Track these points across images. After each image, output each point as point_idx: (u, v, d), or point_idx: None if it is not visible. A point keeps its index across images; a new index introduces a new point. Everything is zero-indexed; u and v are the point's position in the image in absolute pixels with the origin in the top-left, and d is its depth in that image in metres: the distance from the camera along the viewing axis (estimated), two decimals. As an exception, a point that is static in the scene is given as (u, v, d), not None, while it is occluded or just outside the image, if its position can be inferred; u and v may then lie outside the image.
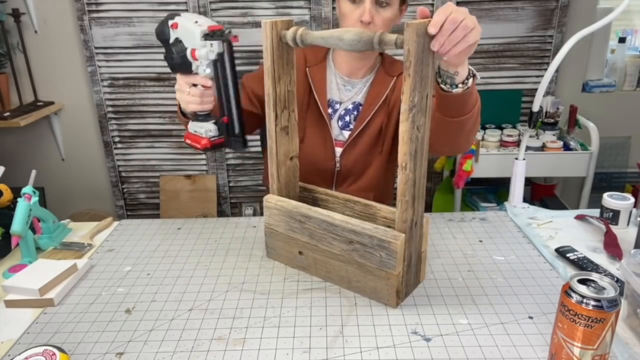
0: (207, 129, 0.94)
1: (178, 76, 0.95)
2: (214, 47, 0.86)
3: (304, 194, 1.02)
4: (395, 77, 1.20)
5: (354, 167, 1.23)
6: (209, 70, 0.90)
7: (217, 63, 0.87)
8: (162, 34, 0.92)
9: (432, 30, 0.72)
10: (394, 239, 0.76)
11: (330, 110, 1.23)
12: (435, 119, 0.96)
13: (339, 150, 1.23)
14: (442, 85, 0.90)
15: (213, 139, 0.94)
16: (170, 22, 0.90)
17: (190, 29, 0.87)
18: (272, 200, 0.92)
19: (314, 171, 1.25)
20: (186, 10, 2.13)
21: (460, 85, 0.89)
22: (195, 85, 0.93)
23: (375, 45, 0.74)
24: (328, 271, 0.88)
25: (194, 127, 0.96)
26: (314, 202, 1.01)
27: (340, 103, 1.23)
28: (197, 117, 0.96)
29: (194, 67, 0.90)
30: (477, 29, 0.77)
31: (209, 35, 0.86)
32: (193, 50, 0.88)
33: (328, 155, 1.23)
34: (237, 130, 0.92)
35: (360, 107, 1.21)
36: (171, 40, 0.91)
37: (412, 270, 0.83)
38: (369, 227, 0.79)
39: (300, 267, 0.93)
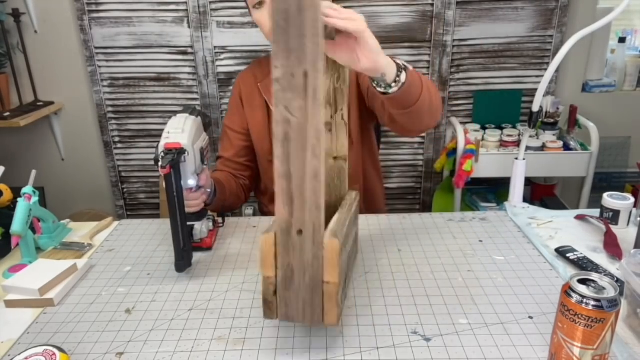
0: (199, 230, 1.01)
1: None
2: (164, 162, 0.86)
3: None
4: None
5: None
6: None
7: (169, 180, 0.86)
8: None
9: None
10: (267, 230, 0.67)
11: None
12: (390, 115, 0.96)
13: None
14: (379, 89, 0.88)
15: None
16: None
17: (164, 134, 0.92)
18: None
19: None
20: (185, 11, 2.13)
21: (393, 85, 0.87)
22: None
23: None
24: None
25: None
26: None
27: None
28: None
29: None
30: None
31: (165, 152, 0.88)
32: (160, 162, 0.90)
33: None
34: (178, 255, 0.90)
35: None
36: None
37: (296, 293, 0.68)
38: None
39: None
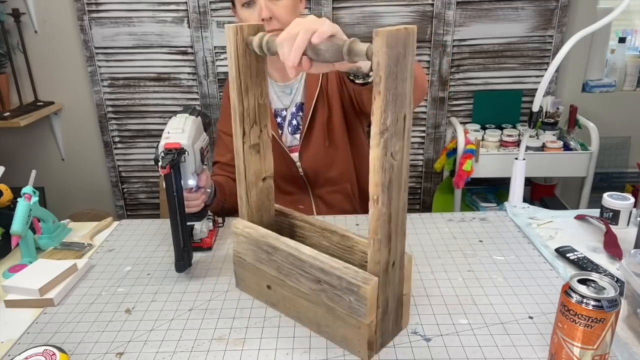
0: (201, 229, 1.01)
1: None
2: (164, 162, 0.87)
3: (280, 218, 0.90)
4: None
5: (316, 166, 1.23)
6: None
7: (168, 180, 0.86)
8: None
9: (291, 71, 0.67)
10: (364, 282, 0.64)
11: (279, 120, 1.23)
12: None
13: (296, 156, 1.22)
14: (358, 81, 0.85)
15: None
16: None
17: (164, 134, 0.92)
18: (240, 225, 0.82)
19: (283, 184, 1.25)
20: (185, 11, 2.13)
21: (371, 74, 0.83)
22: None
23: (344, 55, 0.62)
24: (297, 311, 0.77)
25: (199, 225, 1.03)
26: (291, 228, 0.89)
27: (286, 109, 1.23)
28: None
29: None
30: (305, 26, 0.65)
31: (164, 152, 0.88)
32: (160, 162, 0.91)
33: (288, 165, 1.22)
34: (178, 255, 0.90)
35: (304, 106, 1.20)
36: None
37: (389, 318, 0.70)
38: (338, 266, 0.68)
39: (269, 303, 0.82)
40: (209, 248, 1.02)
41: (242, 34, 0.74)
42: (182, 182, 0.90)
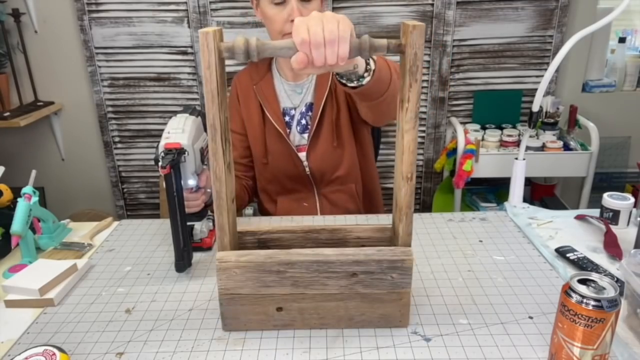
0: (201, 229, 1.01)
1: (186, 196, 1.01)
2: (164, 162, 0.87)
3: (245, 239, 0.83)
4: None
5: (324, 166, 1.23)
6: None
7: (168, 180, 0.86)
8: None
9: (296, 66, 0.62)
10: (406, 255, 0.72)
11: (287, 119, 1.23)
12: (365, 107, 0.94)
13: (304, 155, 1.23)
14: (350, 84, 0.85)
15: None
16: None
17: (164, 134, 0.92)
18: (230, 258, 0.72)
19: (289, 182, 1.26)
20: (185, 11, 2.13)
21: (365, 75, 0.83)
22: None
23: (364, 51, 0.66)
24: (321, 317, 0.75)
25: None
26: (264, 243, 0.83)
27: (295, 108, 1.23)
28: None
29: None
30: (342, 23, 0.65)
31: (165, 152, 0.89)
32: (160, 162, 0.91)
33: (295, 164, 1.23)
34: (178, 255, 0.91)
35: (313, 106, 1.21)
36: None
37: None
38: (373, 252, 0.72)
39: (278, 327, 0.76)
40: (209, 248, 1.02)
41: (217, 40, 0.65)
42: (182, 182, 0.90)
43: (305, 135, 1.23)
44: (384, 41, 0.65)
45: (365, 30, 2.15)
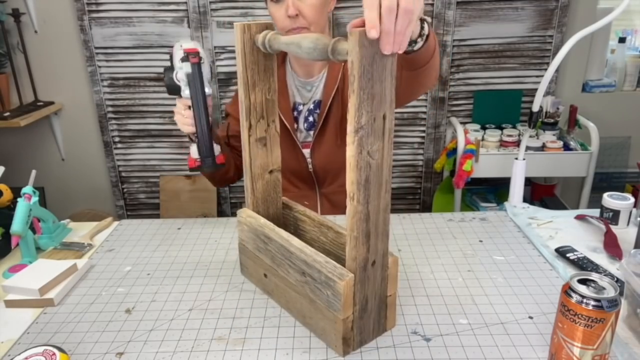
0: (194, 150, 0.99)
1: (177, 100, 0.99)
2: (184, 68, 0.90)
3: (286, 211, 0.93)
4: (342, 66, 1.18)
5: (327, 165, 1.23)
6: (187, 92, 0.95)
7: (190, 84, 0.88)
8: (170, 59, 0.98)
9: (372, 34, 0.56)
10: (339, 278, 0.66)
11: (295, 114, 1.23)
12: (405, 79, 0.91)
13: (308, 152, 1.23)
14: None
15: (198, 159, 0.98)
16: (172, 48, 0.97)
17: (175, 54, 0.93)
18: (243, 214, 0.86)
19: (292, 178, 1.26)
20: (185, 11, 2.14)
21: (418, 40, 0.81)
22: (190, 107, 0.97)
23: (329, 54, 0.63)
24: (287, 300, 0.79)
25: (190, 147, 1.01)
26: (295, 221, 0.92)
27: (304, 104, 1.24)
28: (190, 139, 1.00)
29: (182, 90, 0.94)
30: (417, 1, 0.60)
31: (185, 58, 0.89)
32: (176, 73, 0.94)
33: (299, 160, 1.23)
34: (205, 151, 0.93)
35: (321, 104, 1.21)
36: (170, 65, 0.97)
37: (369, 316, 0.71)
38: (320, 260, 0.69)
39: (265, 291, 0.85)
40: (222, 164, 1.03)
41: (250, 32, 0.77)
42: (184, 92, 0.93)
43: (311, 133, 1.23)
44: (346, 45, 0.61)
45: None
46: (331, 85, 1.19)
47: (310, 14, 1.08)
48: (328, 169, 1.24)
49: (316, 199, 1.28)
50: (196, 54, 0.92)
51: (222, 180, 1.29)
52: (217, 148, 1.03)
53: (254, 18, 2.15)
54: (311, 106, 1.23)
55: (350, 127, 0.60)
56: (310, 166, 1.24)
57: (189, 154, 1.02)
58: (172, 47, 0.98)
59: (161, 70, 2.23)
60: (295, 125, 1.24)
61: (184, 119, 0.98)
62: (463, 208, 2.21)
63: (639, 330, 0.72)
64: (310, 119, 1.23)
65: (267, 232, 0.79)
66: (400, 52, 0.60)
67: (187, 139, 1.03)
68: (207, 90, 0.97)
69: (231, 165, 1.25)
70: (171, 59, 0.96)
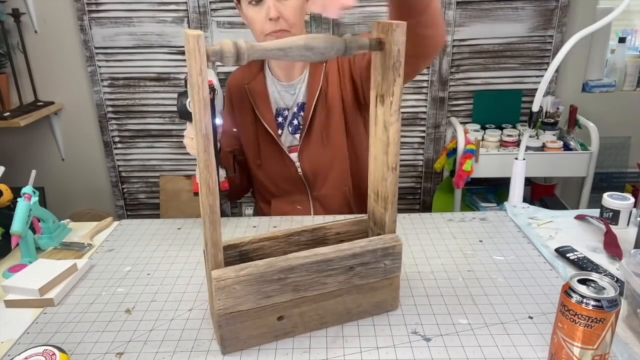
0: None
1: (187, 124, 1.03)
2: None
3: (226, 254, 0.76)
4: (324, 65, 1.17)
5: (316, 167, 1.23)
6: None
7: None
8: (185, 82, 0.99)
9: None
10: (395, 240, 0.75)
11: (280, 120, 1.23)
12: (408, 34, 0.89)
13: (296, 156, 1.22)
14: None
15: None
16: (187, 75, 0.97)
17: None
18: (228, 275, 0.67)
19: (283, 184, 1.25)
20: (185, 11, 2.14)
21: None
22: None
23: (348, 50, 0.67)
24: (321, 316, 0.75)
25: (197, 170, 1.01)
26: (245, 257, 0.79)
27: (288, 109, 1.23)
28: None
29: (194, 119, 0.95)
30: None
31: None
32: (189, 102, 0.95)
33: (287, 165, 1.22)
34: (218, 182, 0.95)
35: (305, 106, 1.20)
36: (184, 89, 0.99)
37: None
38: (366, 243, 0.74)
39: (279, 337, 0.74)
40: (226, 190, 1.08)
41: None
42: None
43: (297, 136, 1.22)
44: (365, 40, 0.68)
45: (366, 30, 2.15)
46: (314, 86, 1.17)
47: (291, 16, 1.07)
48: (318, 171, 1.23)
49: (309, 203, 1.27)
50: (211, 87, 0.94)
51: (233, 197, 1.36)
52: (222, 174, 1.07)
53: (254, 18, 2.15)
54: (295, 109, 1.22)
55: (394, 108, 0.70)
56: (299, 170, 1.23)
57: (194, 176, 1.04)
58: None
59: (161, 70, 2.23)
60: (280, 131, 1.23)
61: (194, 144, 0.98)
62: (463, 208, 2.21)
63: (639, 330, 0.72)
64: (295, 122, 1.22)
65: (284, 264, 0.69)
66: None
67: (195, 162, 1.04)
68: (218, 121, 1.01)
69: (240, 180, 1.30)
70: (185, 84, 0.97)
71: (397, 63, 0.67)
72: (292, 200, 1.27)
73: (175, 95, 2.24)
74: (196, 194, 0.99)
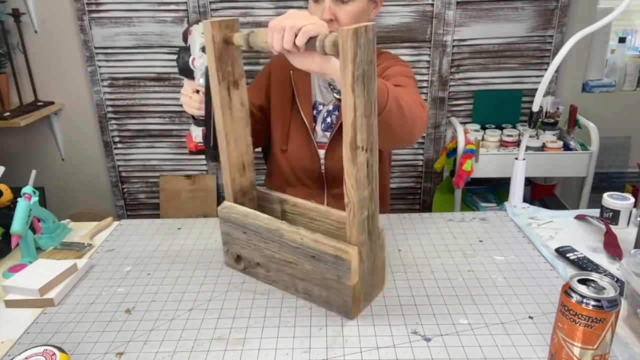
0: (196, 134, 0.99)
1: (185, 80, 0.99)
2: (203, 59, 0.90)
3: (265, 200, 1.00)
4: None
5: (339, 168, 1.22)
6: (202, 81, 0.94)
7: (207, 77, 0.89)
8: (183, 37, 0.96)
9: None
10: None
11: (314, 112, 1.23)
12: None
13: (323, 153, 1.22)
14: (334, 94, 0.85)
15: (199, 144, 0.99)
16: (189, 28, 0.95)
17: (195, 38, 0.92)
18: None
19: (303, 176, 1.25)
20: (185, 11, 2.14)
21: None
22: (197, 91, 0.96)
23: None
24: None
25: (191, 128, 1.01)
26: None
27: (324, 105, 1.23)
28: (195, 120, 1.00)
29: (195, 75, 0.93)
30: (315, 24, 0.73)
31: (202, 47, 0.90)
32: (193, 59, 0.92)
33: (313, 159, 1.22)
34: (211, 143, 0.94)
35: (339, 108, 1.21)
36: (185, 45, 0.96)
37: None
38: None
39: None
40: (191, 151, 1.04)
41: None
42: (198, 80, 0.94)
43: (327, 134, 1.23)
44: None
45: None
46: None
47: (346, 21, 1.05)
48: (340, 171, 1.23)
49: (323, 199, 1.28)
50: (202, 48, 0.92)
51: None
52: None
53: (253, 18, 2.15)
54: (330, 107, 1.23)
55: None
56: (322, 167, 1.24)
57: (189, 133, 1.02)
58: (195, 21, 0.96)
59: (161, 70, 2.23)
60: (314, 125, 1.23)
61: (191, 102, 0.97)
62: (463, 208, 2.21)
63: (639, 331, 0.72)
64: (328, 120, 1.22)
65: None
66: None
67: (189, 119, 1.02)
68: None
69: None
70: (185, 38, 0.94)
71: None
72: (308, 193, 1.27)
73: (175, 95, 2.25)
74: (192, 152, 1.01)
